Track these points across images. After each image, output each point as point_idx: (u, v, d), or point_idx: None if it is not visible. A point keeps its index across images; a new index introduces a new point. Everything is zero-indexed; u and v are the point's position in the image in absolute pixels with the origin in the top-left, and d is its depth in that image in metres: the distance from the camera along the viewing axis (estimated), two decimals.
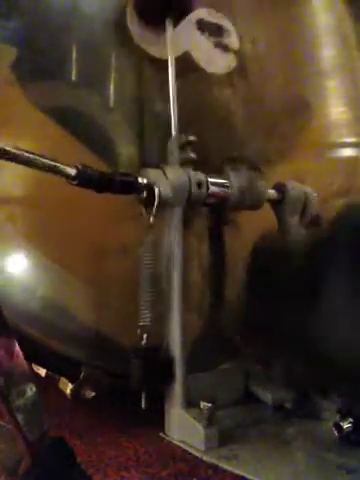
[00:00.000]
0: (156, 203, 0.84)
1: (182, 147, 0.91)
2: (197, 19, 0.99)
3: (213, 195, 0.93)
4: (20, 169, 0.78)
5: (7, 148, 0.73)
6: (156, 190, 0.84)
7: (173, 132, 0.94)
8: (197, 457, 0.79)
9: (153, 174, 0.86)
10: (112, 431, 0.89)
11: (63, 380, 0.93)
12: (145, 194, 0.84)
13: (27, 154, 0.74)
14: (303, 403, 0.95)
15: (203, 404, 0.82)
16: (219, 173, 0.96)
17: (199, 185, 0.90)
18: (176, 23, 0.95)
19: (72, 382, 0.92)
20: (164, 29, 0.95)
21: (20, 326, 0.86)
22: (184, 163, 0.91)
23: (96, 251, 0.93)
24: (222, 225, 1.02)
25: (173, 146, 0.92)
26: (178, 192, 0.87)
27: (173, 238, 0.87)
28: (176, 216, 0.88)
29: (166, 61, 0.96)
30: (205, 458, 0.79)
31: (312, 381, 0.93)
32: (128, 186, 0.84)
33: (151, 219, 0.84)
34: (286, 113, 1.10)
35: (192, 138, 0.91)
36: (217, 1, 1.04)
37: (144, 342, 0.84)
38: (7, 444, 0.63)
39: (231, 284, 1.03)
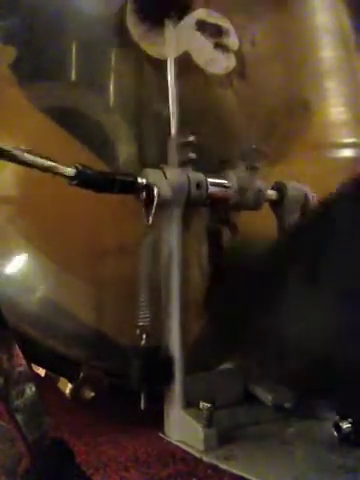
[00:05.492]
0: (155, 203, 0.84)
1: (182, 147, 0.91)
2: (197, 19, 0.99)
3: (212, 195, 0.93)
4: (20, 169, 0.78)
5: (6, 148, 0.73)
6: (155, 190, 0.84)
7: (173, 132, 0.94)
8: (196, 457, 0.79)
9: (153, 174, 0.86)
10: (112, 431, 0.89)
11: (63, 380, 0.93)
12: (144, 194, 0.84)
13: (26, 154, 0.74)
14: (303, 403, 0.95)
15: (202, 404, 0.82)
16: (219, 173, 0.96)
17: (198, 185, 0.90)
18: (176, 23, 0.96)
19: (72, 382, 0.92)
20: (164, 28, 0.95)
21: (20, 326, 0.87)
22: (184, 163, 0.91)
23: (96, 251, 0.93)
24: (222, 225, 1.02)
25: (172, 146, 0.92)
26: (177, 192, 0.87)
27: (172, 238, 0.87)
28: (175, 216, 0.88)
29: (166, 61, 0.96)
30: (204, 458, 0.79)
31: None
32: (128, 186, 0.84)
33: (150, 219, 0.84)
34: (285, 113, 1.10)
35: (191, 138, 0.91)
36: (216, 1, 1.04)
37: (143, 342, 0.84)
38: (6, 444, 0.63)
39: None
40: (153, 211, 0.83)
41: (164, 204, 0.86)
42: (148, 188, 0.84)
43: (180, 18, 0.97)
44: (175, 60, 0.95)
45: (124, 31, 0.94)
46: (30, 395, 0.65)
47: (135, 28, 0.95)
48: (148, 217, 0.84)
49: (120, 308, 0.93)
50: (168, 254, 0.88)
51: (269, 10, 1.09)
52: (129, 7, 0.95)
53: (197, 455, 0.80)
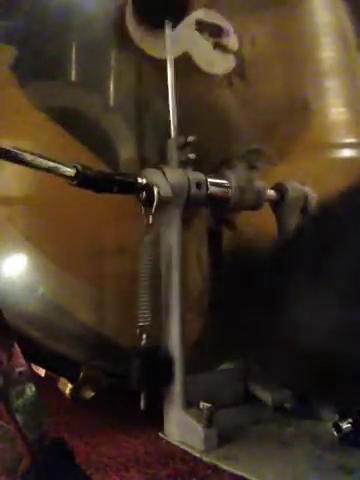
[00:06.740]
0: (155, 203, 0.84)
1: (181, 148, 0.91)
2: (196, 20, 0.99)
3: (213, 195, 0.93)
4: (20, 169, 0.78)
5: (7, 148, 0.73)
6: (155, 190, 0.84)
7: (172, 133, 0.94)
8: (196, 457, 0.79)
9: (153, 174, 0.86)
10: (112, 431, 0.89)
11: (62, 380, 0.93)
12: (144, 194, 0.84)
13: (27, 154, 0.74)
14: (303, 403, 0.95)
15: (202, 404, 0.82)
16: (219, 173, 0.96)
17: (198, 185, 0.89)
18: (175, 24, 0.96)
19: (72, 382, 0.92)
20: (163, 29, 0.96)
21: (20, 326, 0.87)
22: (183, 163, 0.91)
23: (96, 251, 0.93)
24: (222, 225, 1.02)
25: (172, 147, 0.92)
26: (177, 192, 0.87)
27: (172, 238, 0.87)
28: (175, 216, 0.88)
29: (165, 61, 0.96)
30: (204, 458, 0.79)
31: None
32: (127, 186, 0.84)
33: (150, 219, 0.84)
34: (286, 113, 1.10)
35: (191, 138, 0.91)
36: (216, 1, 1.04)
37: (143, 342, 0.84)
38: (6, 444, 0.63)
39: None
40: (153, 211, 0.84)
41: (164, 204, 0.86)
42: (148, 188, 0.84)
43: (179, 19, 0.97)
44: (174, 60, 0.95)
45: (124, 31, 0.94)
46: (30, 395, 0.65)
47: (135, 29, 0.95)
48: (148, 217, 0.84)
49: (120, 308, 0.94)
50: (168, 254, 0.88)
51: (269, 10, 1.09)
52: (129, 9, 0.95)
53: (197, 455, 0.80)
